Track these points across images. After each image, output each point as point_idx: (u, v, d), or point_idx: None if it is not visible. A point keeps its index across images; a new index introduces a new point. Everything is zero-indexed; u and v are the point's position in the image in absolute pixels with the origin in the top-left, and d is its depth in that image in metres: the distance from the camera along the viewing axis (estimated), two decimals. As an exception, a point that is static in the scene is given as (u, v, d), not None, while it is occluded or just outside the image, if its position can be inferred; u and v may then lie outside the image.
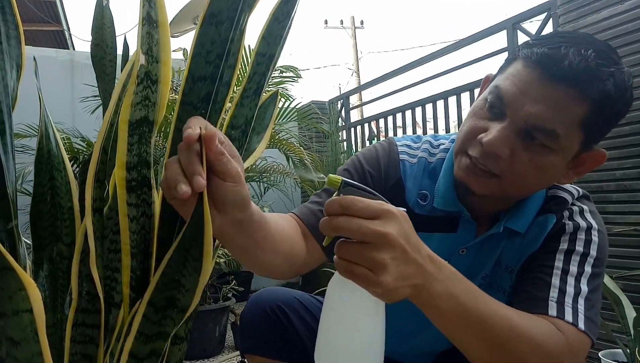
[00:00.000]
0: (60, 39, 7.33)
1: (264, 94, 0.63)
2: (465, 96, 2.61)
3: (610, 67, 0.64)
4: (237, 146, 0.58)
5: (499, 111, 0.68)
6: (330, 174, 0.51)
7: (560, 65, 0.63)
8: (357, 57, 15.01)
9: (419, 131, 3.05)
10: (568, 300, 0.66)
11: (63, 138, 2.92)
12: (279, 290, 0.97)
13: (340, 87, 16.52)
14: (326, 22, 16.11)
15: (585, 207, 0.77)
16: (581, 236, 0.73)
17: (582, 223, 0.74)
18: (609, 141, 1.77)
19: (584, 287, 0.68)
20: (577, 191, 0.79)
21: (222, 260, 2.21)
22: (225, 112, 0.58)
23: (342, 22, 15.74)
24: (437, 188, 0.80)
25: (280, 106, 2.76)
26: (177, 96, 0.55)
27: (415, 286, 0.51)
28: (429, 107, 2.87)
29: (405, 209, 0.52)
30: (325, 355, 0.53)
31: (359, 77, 14.92)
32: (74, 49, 6.97)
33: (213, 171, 0.49)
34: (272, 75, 2.69)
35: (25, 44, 0.68)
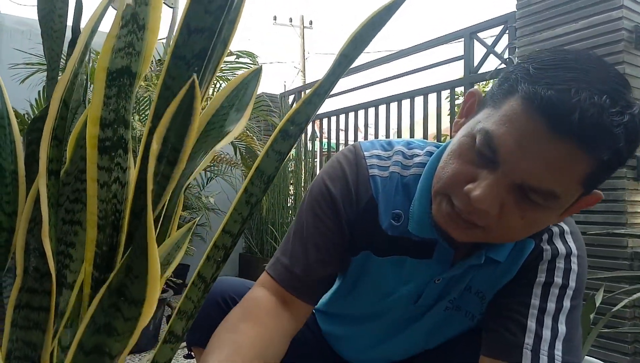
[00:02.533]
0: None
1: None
2: (405, 103, 2.67)
3: (624, 115, 0.54)
4: (290, 144, 0.51)
5: (490, 159, 0.59)
6: None
7: (568, 118, 0.53)
8: (304, 56, 15.00)
9: (360, 136, 3.08)
10: (544, 347, 0.63)
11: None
12: (231, 279, 0.91)
13: (285, 85, 16.43)
14: (275, 18, 15.95)
15: (565, 228, 0.72)
16: (560, 264, 0.69)
17: (562, 249, 0.70)
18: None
19: (562, 327, 0.65)
20: None
21: (160, 249, 2.08)
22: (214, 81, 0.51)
23: (291, 20, 15.66)
24: (411, 210, 0.73)
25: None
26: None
27: None
28: (371, 111, 2.91)
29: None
30: None
31: (304, 76, 14.92)
32: None
33: None
34: (227, 60, 2.59)
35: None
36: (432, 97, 2.53)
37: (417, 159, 0.77)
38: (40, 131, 0.61)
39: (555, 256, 0.69)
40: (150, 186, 0.40)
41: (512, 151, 0.57)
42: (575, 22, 1.80)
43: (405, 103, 2.66)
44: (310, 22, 15.44)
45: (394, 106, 2.74)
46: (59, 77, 0.87)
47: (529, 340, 0.64)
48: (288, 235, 0.80)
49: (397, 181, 0.76)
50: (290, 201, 3.38)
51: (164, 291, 2.05)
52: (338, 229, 0.76)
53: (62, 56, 0.80)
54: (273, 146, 0.50)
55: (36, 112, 2.56)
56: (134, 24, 0.44)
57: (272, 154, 0.50)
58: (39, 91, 2.57)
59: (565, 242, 0.71)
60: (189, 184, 0.52)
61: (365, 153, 0.78)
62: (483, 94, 0.68)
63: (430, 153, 0.76)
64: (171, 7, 3.01)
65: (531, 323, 0.65)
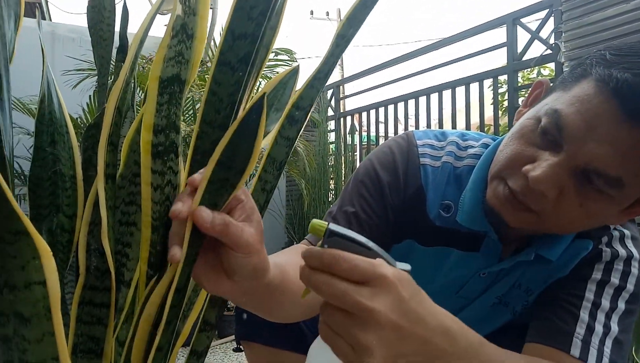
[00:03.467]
0: (33, 11, 7.04)
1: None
2: (446, 94, 2.61)
3: None
4: (297, 129, 0.52)
5: (554, 140, 0.57)
6: (314, 220, 0.42)
7: None
8: (341, 49, 14.92)
9: (400, 128, 3.04)
10: (595, 340, 0.60)
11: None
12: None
13: (323, 79, 16.42)
14: (312, 12, 15.95)
15: (627, 232, 0.68)
16: (619, 266, 0.65)
17: (622, 252, 0.66)
18: None
19: (614, 326, 0.62)
20: None
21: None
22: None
23: (327, 13, 15.62)
24: (462, 201, 0.71)
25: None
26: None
27: None
28: (411, 103, 2.87)
29: (409, 268, 0.44)
30: None
31: (342, 70, 14.87)
32: (51, 20, 6.70)
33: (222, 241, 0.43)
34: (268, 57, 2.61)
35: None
36: (474, 87, 2.46)
37: (471, 151, 0.75)
38: (95, 137, 0.64)
39: (614, 257, 0.66)
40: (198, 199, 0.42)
41: (579, 130, 0.54)
42: (626, 3, 1.71)
43: (446, 94, 2.61)
44: (347, 15, 15.33)
45: (434, 97, 2.70)
46: (109, 83, 0.91)
47: (580, 330, 0.60)
48: (330, 211, 0.78)
49: (449, 171, 0.74)
50: (330, 196, 3.40)
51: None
52: (382, 213, 0.74)
53: (111, 61, 0.84)
54: (281, 132, 0.51)
55: (88, 116, 2.68)
56: (183, 34, 0.46)
57: (280, 140, 0.51)
58: (89, 96, 2.69)
59: (625, 246, 0.67)
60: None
61: (418, 142, 0.77)
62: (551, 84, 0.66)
63: (486, 145, 0.74)
64: (210, 8, 3.08)
65: (584, 315, 0.62)
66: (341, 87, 3.70)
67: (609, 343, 0.60)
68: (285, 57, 2.56)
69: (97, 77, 0.90)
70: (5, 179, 0.56)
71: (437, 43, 2.72)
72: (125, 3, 0.90)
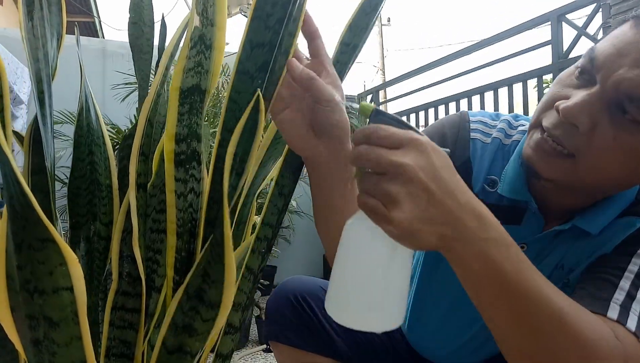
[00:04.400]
0: (92, 29, 7.44)
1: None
2: (488, 96, 2.53)
3: None
4: None
5: (589, 76, 0.57)
6: (363, 102, 0.46)
7: None
8: (382, 55, 14.87)
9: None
10: (636, 307, 0.55)
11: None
12: (305, 278, 0.93)
13: (364, 85, 16.40)
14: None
15: None
16: None
17: None
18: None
19: None
20: None
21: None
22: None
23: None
24: (504, 173, 0.70)
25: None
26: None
27: (444, 237, 0.42)
28: (452, 105, 2.81)
29: (448, 150, 0.45)
30: (331, 300, 0.46)
31: (384, 75, 14.79)
32: (103, 38, 7.06)
33: (311, 95, 0.51)
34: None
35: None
36: (518, 87, 2.38)
37: (521, 128, 0.75)
38: (130, 147, 0.67)
39: None
40: (226, 199, 0.43)
41: (611, 56, 0.55)
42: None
43: (489, 96, 2.54)
44: (388, 20, 15.27)
45: (476, 99, 2.63)
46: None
47: (619, 296, 0.56)
48: None
49: (497, 146, 0.74)
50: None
51: (252, 292, 2.14)
52: None
53: (151, 74, 0.88)
54: None
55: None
56: (202, 45, 0.47)
57: None
58: (136, 108, 2.81)
59: None
60: (262, 190, 0.55)
61: (471, 118, 0.78)
62: None
63: None
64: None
65: (624, 284, 0.57)
66: (382, 91, 3.68)
67: None
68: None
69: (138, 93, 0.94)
70: (47, 189, 0.59)
71: (479, 43, 2.65)
72: (163, 18, 0.93)
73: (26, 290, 0.38)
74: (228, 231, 0.42)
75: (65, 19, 0.64)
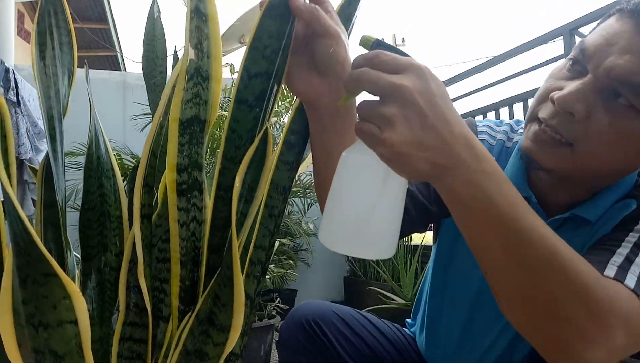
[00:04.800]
0: (113, 62, 7.70)
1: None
2: (504, 111, 2.51)
3: None
4: (295, 153, 0.54)
5: (581, 67, 0.59)
6: (365, 34, 0.46)
7: None
8: (398, 74, 14.92)
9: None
10: (634, 269, 0.53)
11: (115, 155, 3.00)
12: (318, 303, 0.93)
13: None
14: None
15: None
16: None
17: None
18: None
19: None
20: None
21: (267, 277, 2.18)
22: (280, 113, 0.54)
23: (383, 39, 15.75)
24: (505, 170, 0.70)
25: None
26: (225, 113, 0.52)
27: (435, 165, 0.42)
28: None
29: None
30: (324, 229, 0.45)
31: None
32: (125, 71, 7.29)
33: (313, 30, 0.51)
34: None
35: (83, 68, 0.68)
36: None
37: (521, 131, 0.77)
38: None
39: None
40: (234, 226, 0.43)
41: (600, 46, 0.57)
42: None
43: (504, 111, 2.52)
44: (403, 40, 15.36)
45: (491, 115, 2.61)
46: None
47: (617, 259, 0.54)
48: None
49: (501, 148, 0.77)
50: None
51: (271, 317, 2.13)
52: (425, 189, 0.79)
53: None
54: (280, 157, 0.52)
55: (154, 156, 2.86)
56: (199, 76, 0.48)
57: (281, 166, 0.52)
58: (155, 138, 2.87)
59: None
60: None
61: (478, 123, 0.82)
62: None
63: None
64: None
65: (622, 250, 0.56)
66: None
67: None
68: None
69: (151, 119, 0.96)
70: (58, 222, 0.61)
71: (492, 60, 2.64)
72: (175, 51, 0.96)
73: (31, 324, 0.39)
74: (236, 256, 0.42)
75: (76, 57, 0.67)
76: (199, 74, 0.48)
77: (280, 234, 2.52)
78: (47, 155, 0.61)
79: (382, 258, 0.44)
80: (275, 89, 0.50)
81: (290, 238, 2.52)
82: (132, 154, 2.75)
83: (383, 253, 0.44)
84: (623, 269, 0.52)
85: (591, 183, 0.65)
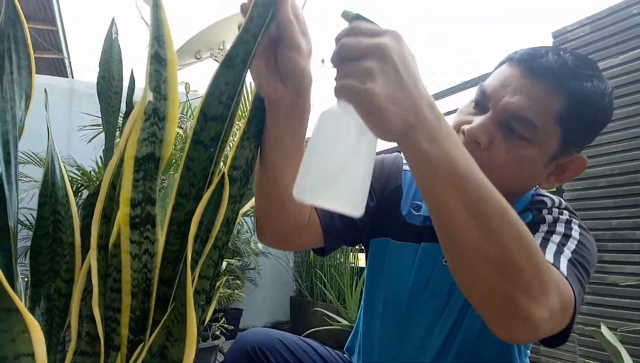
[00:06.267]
0: (59, 67, 7.40)
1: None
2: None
3: (588, 71, 0.69)
4: (238, 187, 0.57)
5: (483, 106, 0.72)
6: (345, 9, 0.51)
7: (540, 61, 0.68)
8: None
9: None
10: (549, 253, 0.64)
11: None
12: (263, 330, 0.96)
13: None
14: (323, 61, 16.35)
15: (565, 211, 0.76)
16: (561, 224, 0.72)
17: (562, 217, 0.73)
18: (603, 189, 1.79)
19: (567, 252, 0.65)
20: (560, 201, 0.79)
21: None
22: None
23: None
24: None
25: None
26: (181, 131, 0.55)
27: (406, 122, 0.46)
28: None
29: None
30: (299, 183, 0.47)
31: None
32: (72, 77, 7.03)
33: (282, 39, 0.56)
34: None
35: (25, 71, 0.68)
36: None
37: None
38: (93, 206, 0.70)
39: (556, 220, 0.73)
40: (188, 265, 0.46)
41: (496, 88, 0.71)
42: (615, 57, 1.77)
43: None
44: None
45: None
46: (114, 147, 0.97)
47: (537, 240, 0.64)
48: None
49: None
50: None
51: (216, 337, 2.11)
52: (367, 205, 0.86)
53: (118, 126, 0.91)
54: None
55: (101, 169, 2.78)
56: (155, 117, 0.51)
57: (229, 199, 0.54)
58: (103, 150, 2.80)
59: (564, 216, 0.74)
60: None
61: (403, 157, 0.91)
62: None
63: None
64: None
65: (537, 238, 0.67)
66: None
67: (564, 259, 0.63)
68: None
69: (104, 141, 0.96)
70: (9, 247, 0.61)
71: (471, 81, 2.68)
72: (132, 73, 0.98)
73: (-13, 356, 0.40)
74: (190, 294, 0.45)
75: (34, 80, 0.68)
76: (156, 114, 0.51)
77: (228, 254, 2.51)
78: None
79: (352, 214, 0.46)
80: (227, 131, 0.54)
81: (238, 257, 2.52)
82: (78, 165, 2.67)
83: (354, 208, 0.46)
84: (542, 246, 0.64)
85: None
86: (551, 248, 0.65)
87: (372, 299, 0.89)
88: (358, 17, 0.50)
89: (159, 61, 0.52)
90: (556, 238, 0.68)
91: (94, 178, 2.71)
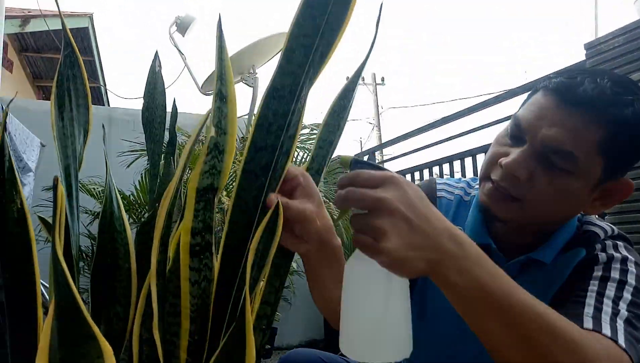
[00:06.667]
0: (96, 94, 7.72)
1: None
2: (480, 157, 2.63)
3: (628, 95, 0.67)
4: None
5: (519, 137, 0.72)
6: (342, 155, 0.53)
7: (576, 91, 0.66)
8: (377, 112, 15.26)
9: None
10: (605, 317, 0.60)
11: (99, 191, 3.01)
12: (306, 351, 0.98)
13: (361, 141, 16.73)
14: (347, 78, 16.51)
15: (620, 243, 0.74)
16: (616, 266, 0.69)
17: (617, 255, 0.71)
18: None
19: (623, 311, 0.63)
20: (612, 229, 0.77)
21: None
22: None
23: (363, 78, 16.15)
24: (467, 221, 0.82)
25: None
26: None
27: (430, 261, 0.47)
28: (445, 166, 2.91)
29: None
30: (343, 339, 0.49)
31: (379, 131, 15.12)
32: (109, 105, 7.31)
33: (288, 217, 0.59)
34: (303, 133, 2.77)
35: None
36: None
37: (477, 187, 0.88)
38: (147, 234, 0.73)
39: (610, 260, 0.70)
40: (247, 290, 0.48)
41: (532, 120, 0.70)
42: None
43: (480, 157, 2.64)
44: (382, 79, 15.79)
45: (468, 161, 2.73)
46: (159, 174, 1.02)
47: (588, 310, 0.61)
48: None
49: (459, 202, 0.88)
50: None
51: (254, 357, 2.12)
52: None
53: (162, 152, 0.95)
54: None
55: (139, 193, 2.88)
56: (216, 150, 0.55)
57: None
58: (141, 174, 2.90)
59: (619, 252, 0.72)
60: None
61: (438, 181, 0.94)
62: None
63: None
64: (251, 87, 3.27)
65: (589, 300, 0.64)
66: (377, 153, 3.79)
67: (620, 322, 0.60)
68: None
69: (149, 167, 1.01)
70: (72, 276, 0.65)
71: (475, 106, 2.72)
72: (174, 102, 1.03)
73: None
74: (250, 319, 0.47)
75: (92, 117, 0.72)
76: (217, 148, 0.54)
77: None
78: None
79: (400, 359, 0.48)
80: (281, 160, 0.56)
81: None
82: (118, 190, 2.76)
83: (399, 354, 0.48)
84: (597, 320, 0.60)
85: (540, 229, 0.76)
86: (606, 313, 0.62)
87: (416, 327, 0.89)
88: (356, 161, 0.52)
89: (221, 98, 0.55)
90: (610, 292, 0.65)
91: (133, 201, 2.80)
